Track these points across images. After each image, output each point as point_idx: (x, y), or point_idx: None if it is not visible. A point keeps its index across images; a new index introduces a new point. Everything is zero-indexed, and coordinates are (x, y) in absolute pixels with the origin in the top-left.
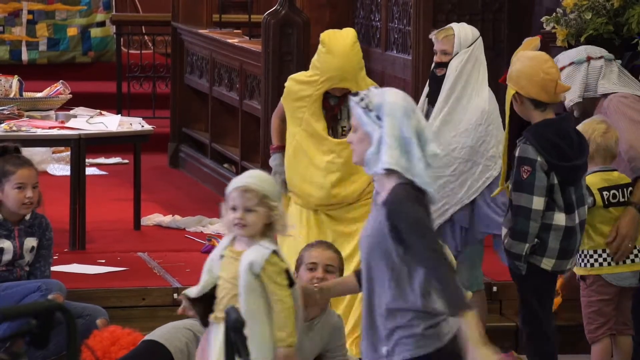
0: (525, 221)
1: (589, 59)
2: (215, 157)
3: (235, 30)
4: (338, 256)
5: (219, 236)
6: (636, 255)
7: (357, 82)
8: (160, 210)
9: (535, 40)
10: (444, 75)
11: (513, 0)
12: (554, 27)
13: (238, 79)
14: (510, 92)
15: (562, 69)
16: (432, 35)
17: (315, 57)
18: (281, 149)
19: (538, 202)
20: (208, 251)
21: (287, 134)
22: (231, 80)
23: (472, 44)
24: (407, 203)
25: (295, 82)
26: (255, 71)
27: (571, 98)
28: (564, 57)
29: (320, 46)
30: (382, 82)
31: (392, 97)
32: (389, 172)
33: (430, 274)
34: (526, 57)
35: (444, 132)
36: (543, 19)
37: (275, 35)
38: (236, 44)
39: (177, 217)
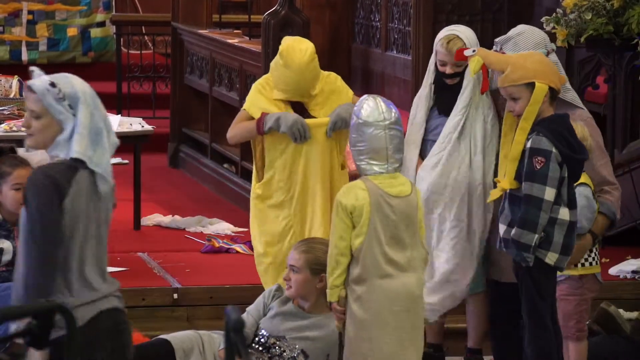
0: (536, 211)
1: (548, 52)
2: (215, 157)
3: (235, 31)
4: (305, 255)
5: (218, 236)
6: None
7: (310, 94)
8: (160, 211)
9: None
10: (455, 85)
11: (513, 0)
12: (554, 28)
13: (238, 79)
14: (543, 88)
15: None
16: (442, 47)
17: (273, 65)
18: (263, 115)
19: (550, 193)
20: (208, 251)
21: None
22: (231, 80)
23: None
24: (42, 185)
25: (256, 92)
26: (255, 71)
27: None
28: (525, 40)
29: (278, 57)
30: (382, 82)
31: (82, 87)
32: (75, 160)
33: (25, 256)
34: (529, 55)
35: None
36: (543, 19)
37: (275, 36)
38: (236, 44)
39: (177, 217)
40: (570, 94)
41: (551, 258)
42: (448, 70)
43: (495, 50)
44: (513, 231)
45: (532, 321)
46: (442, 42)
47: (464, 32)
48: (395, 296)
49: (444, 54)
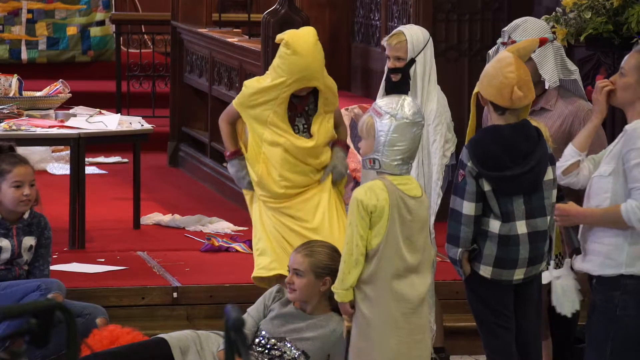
0: (456, 225)
1: (554, 39)
2: (215, 156)
3: (234, 30)
4: (309, 259)
5: (218, 235)
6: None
7: (323, 78)
8: (160, 209)
9: (534, 41)
10: (400, 82)
11: None
12: (553, 27)
13: (238, 78)
14: (474, 92)
15: None
16: (384, 42)
17: (278, 60)
18: (237, 153)
19: (468, 207)
20: (207, 250)
21: (252, 136)
22: (231, 79)
23: (424, 47)
24: None
25: (255, 90)
26: (255, 70)
27: (549, 78)
28: (532, 26)
29: (283, 49)
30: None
31: None
32: None
33: None
34: (495, 58)
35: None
36: (542, 18)
37: (275, 35)
38: (236, 43)
39: (177, 216)
40: (574, 85)
41: (485, 271)
42: (389, 64)
43: (503, 41)
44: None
45: (479, 328)
46: (388, 35)
47: (411, 30)
48: (404, 297)
49: (386, 47)
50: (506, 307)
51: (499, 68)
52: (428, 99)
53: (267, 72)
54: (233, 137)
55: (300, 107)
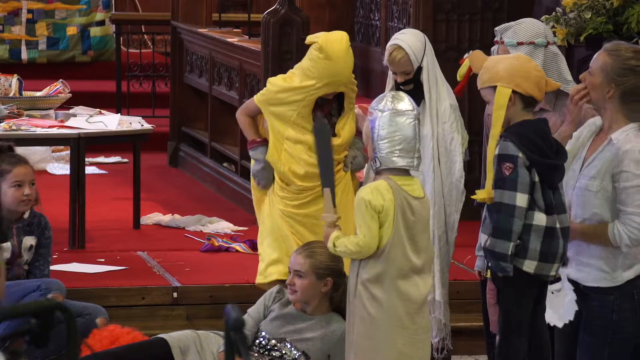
0: (508, 218)
1: (548, 43)
2: (215, 156)
3: (234, 30)
4: (309, 260)
5: (218, 235)
6: None
7: (351, 83)
8: (160, 209)
9: (480, 54)
10: (413, 90)
11: None
12: (553, 27)
13: (238, 78)
14: (505, 92)
15: (520, 43)
16: (386, 62)
17: (309, 63)
18: (260, 141)
19: (522, 199)
20: (207, 250)
21: (272, 134)
22: (231, 79)
23: (424, 52)
24: None
25: (281, 89)
26: (255, 70)
27: None
28: (524, 29)
29: (316, 52)
30: (382, 81)
31: None
32: None
33: None
34: (509, 57)
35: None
36: (543, 18)
37: (275, 35)
38: (236, 43)
39: (177, 216)
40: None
41: (529, 266)
42: (398, 79)
43: (496, 40)
44: (488, 241)
45: (506, 331)
46: (387, 53)
47: (408, 41)
48: (410, 297)
49: (389, 65)
50: (528, 313)
51: (523, 64)
52: (440, 98)
53: (291, 71)
54: (253, 126)
55: (326, 109)
